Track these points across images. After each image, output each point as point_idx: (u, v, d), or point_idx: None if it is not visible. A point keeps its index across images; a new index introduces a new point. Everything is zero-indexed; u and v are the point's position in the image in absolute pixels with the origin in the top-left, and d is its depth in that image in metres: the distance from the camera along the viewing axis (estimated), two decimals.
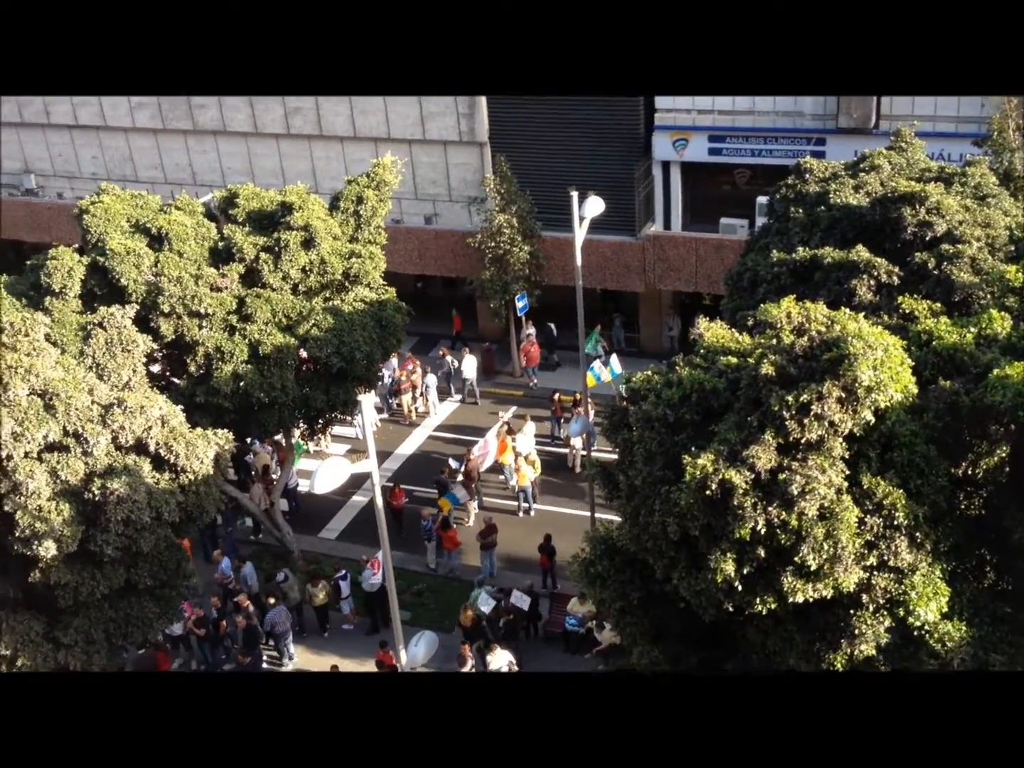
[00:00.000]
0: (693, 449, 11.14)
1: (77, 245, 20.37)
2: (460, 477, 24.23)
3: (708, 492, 10.68)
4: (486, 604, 20.34)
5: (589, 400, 23.43)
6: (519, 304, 28.96)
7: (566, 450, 26.39)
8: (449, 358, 29.65)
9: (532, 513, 24.53)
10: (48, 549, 14.45)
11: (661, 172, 28.03)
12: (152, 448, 15.75)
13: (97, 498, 14.77)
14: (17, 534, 14.54)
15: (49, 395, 15.21)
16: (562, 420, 26.84)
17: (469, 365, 29.02)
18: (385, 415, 29.08)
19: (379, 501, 15.07)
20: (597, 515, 21.24)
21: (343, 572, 21.71)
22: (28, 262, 20.49)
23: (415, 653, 17.52)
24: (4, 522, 14.86)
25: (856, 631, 10.93)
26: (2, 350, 15.25)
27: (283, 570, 22.10)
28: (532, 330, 29.92)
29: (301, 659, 21.04)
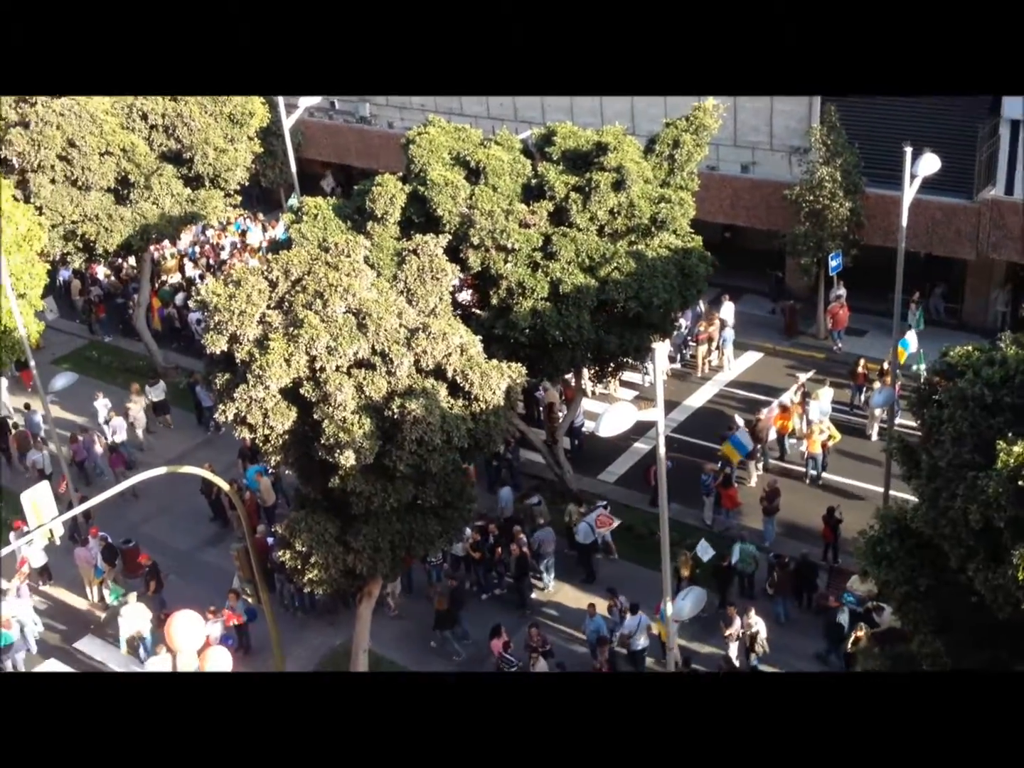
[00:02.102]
0: (1010, 435, 10.09)
1: (401, 173, 21.32)
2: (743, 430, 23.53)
3: (1021, 483, 9.68)
4: (705, 552, 19.83)
5: (897, 371, 21.98)
6: (832, 263, 27.47)
7: (865, 420, 24.97)
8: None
9: (820, 482, 23.47)
10: (348, 458, 15.36)
11: (1009, 132, 25.45)
12: (449, 374, 16.32)
13: (396, 416, 15.51)
14: (322, 441, 15.56)
15: (362, 314, 16.06)
16: (864, 389, 25.38)
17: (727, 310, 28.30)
18: (677, 365, 28.70)
19: (662, 450, 14.87)
20: (891, 492, 20.04)
21: (604, 503, 21.96)
22: (355, 187, 21.70)
23: (682, 607, 17.29)
24: (312, 429, 15.98)
25: None
26: (326, 268, 16.26)
27: (537, 494, 22.59)
28: (843, 291, 28.34)
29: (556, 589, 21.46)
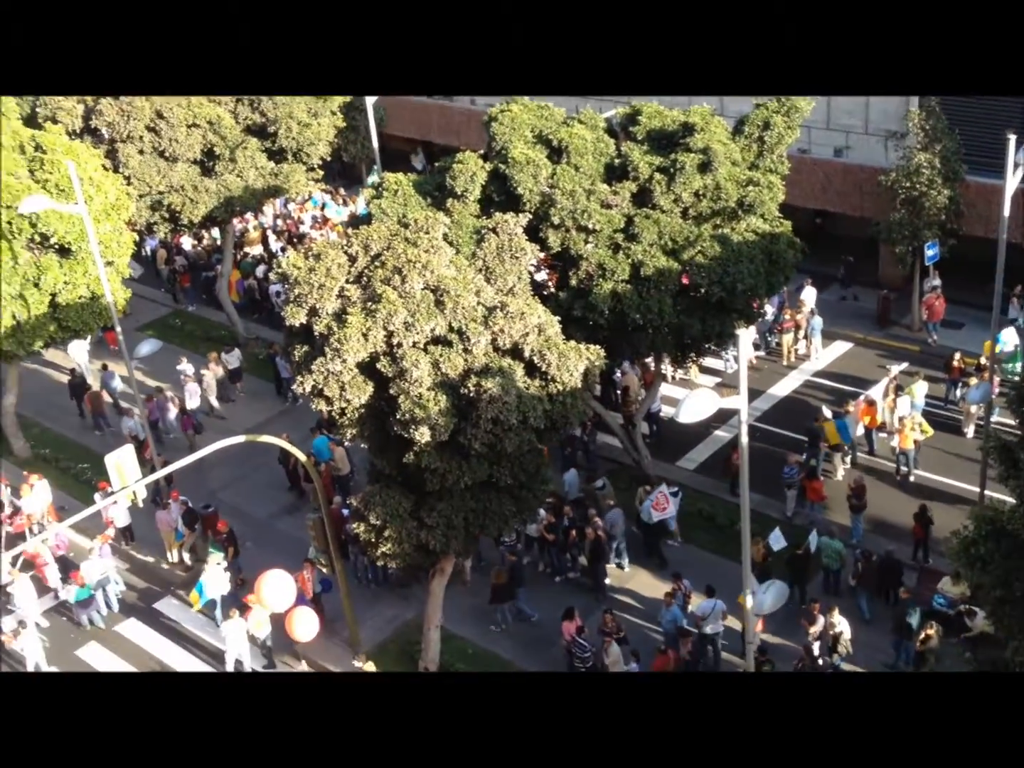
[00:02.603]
0: None
1: (482, 151, 21.13)
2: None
3: None
4: (777, 542, 19.35)
5: (995, 367, 21.19)
6: (928, 252, 26.56)
7: (959, 417, 24.14)
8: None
9: (912, 478, 22.77)
10: (423, 435, 15.31)
11: None
12: (526, 354, 16.13)
13: (471, 394, 15.39)
14: (399, 417, 15.52)
15: (440, 291, 15.95)
16: (960, 384, 24.52)
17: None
18: (762, 352, 28.10)
19: (744, 439, 14.49)
20: (987, 492, 19.38)
21: (675, 489, 21.63)
22: (436, 164, 21.57)
23: (763, 601, 16.95)
24: (389, 405, 15.94)
25: None
26: (405, 244, 16.17)
27: (602, 477, 22.41)
28: (938, 282, 27.42)
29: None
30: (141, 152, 26.82)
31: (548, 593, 20.99)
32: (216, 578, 20.72)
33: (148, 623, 21.67)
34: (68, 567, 22.33)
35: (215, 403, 28.15)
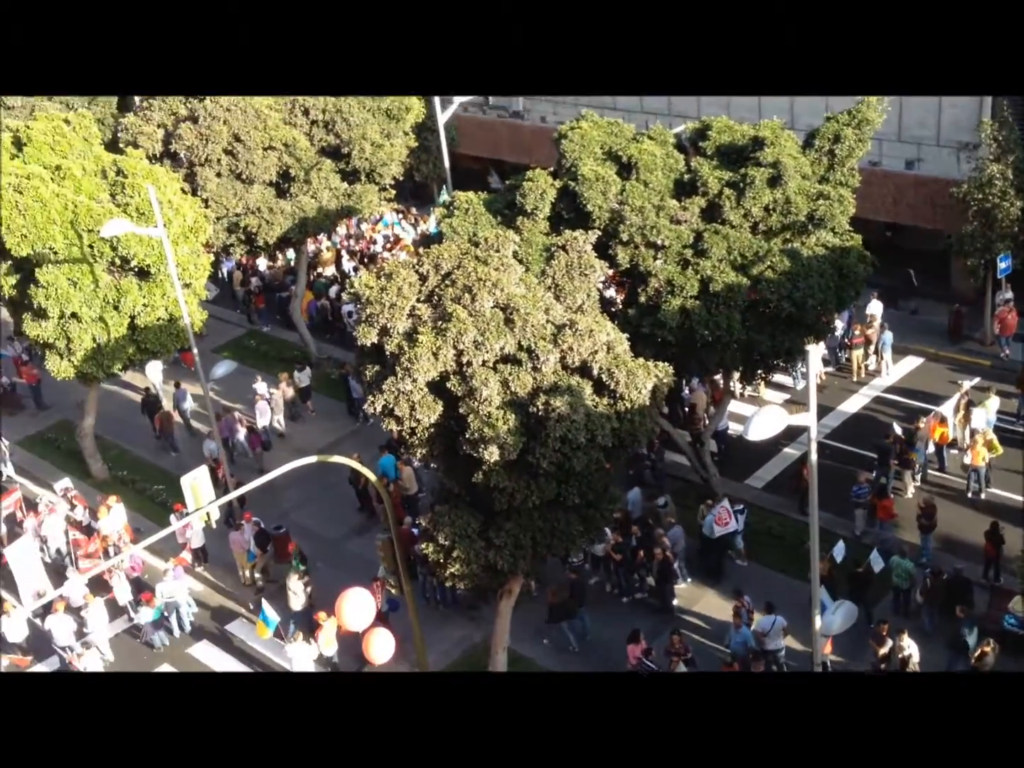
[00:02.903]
0: None
1: (552, 168, 21.24)
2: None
3: None
4: (839, 553, 19.13)
5: None
6: (1001, 265, 26.02)
7: None
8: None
9: (983, 496, 22.26)
10: (492, 454, 15.36)
11: None
12: (595, 372, 16.12)
13: (540, 413, 15.42)
14: (467, 436, 15.61)
15: (510, 309, 16.02)
16: None
17: None
18: (831, 368, 27.73)
19: (814, 457, 14.33)
20: None
21: (741, 507, 21.49)
22: (507, 182, 21.74)
23: (831, 621, 16.70)
24: (458, 424, 16.05)
25: None
26: (475, 263, 16.30)
27: (665, 495, 22.31)
28: (1011, 295, 26.83)
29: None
30: (219, 175, 27.46)
31: (615, 614, 20.87)
32: (297, 591, 21.00)
33: (219, 645, 21.96)
34: (142, 588, 22.70)
35: (281, 423, 28.60)
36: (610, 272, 20.08)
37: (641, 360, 16.51)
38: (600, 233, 19.40)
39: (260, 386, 28.58)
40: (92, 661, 20.64)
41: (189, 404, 29.45)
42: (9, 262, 23.62)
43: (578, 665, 19.84)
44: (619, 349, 16.47)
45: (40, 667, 20.82)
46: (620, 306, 21.35)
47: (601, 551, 21.35)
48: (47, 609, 21.74)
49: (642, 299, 20.36)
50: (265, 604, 20.88)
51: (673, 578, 20.85)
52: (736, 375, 23.01)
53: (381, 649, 18.23)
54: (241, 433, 27.38)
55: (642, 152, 20.28)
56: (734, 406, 25.57)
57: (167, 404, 29.72)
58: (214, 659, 21.60)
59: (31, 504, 26.19)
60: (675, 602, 20.91)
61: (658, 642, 19.24)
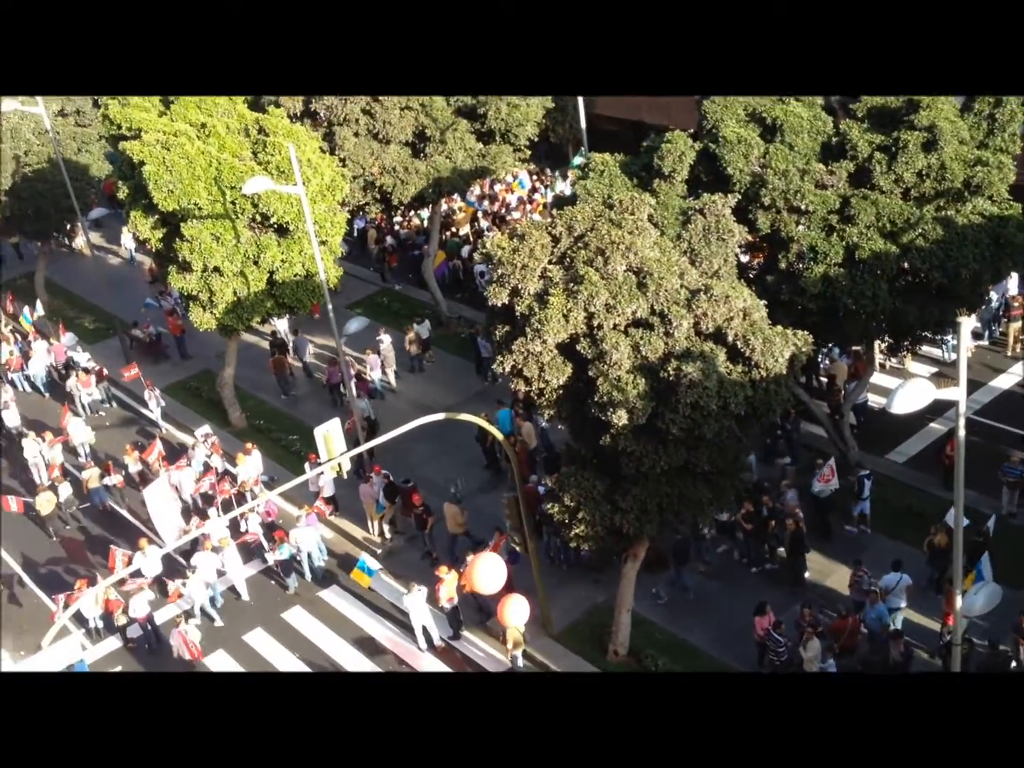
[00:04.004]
0: None
1: (691, 131, 20.68)
2: None
3: None
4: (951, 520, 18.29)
5: None
6: None
7: None
8: None
9: None
10: (620, 418, 15.17)
11: None
12: (730, 339, 15.71)
13: (671, 378, 15.13)
14: (596, 399, 15.46)
15: (643, 273, 15.74)
16: None
17: None
18: (983, 342, 26.41)
19: (961, 433, 13.63)
20: None
21: (868, 472, 20.97)
22: (644, 143, 21.28)
23: (972, 603, 16.03)
24: (587, 386, 15.89)
25: None
26: (609, 225, 16.03)
27: (785, 458, 22.02)
28: None
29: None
30: (356, 134, 27.73)
31: (743, 584, 20.50)
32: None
33: (348, 591, 22.51)
34: (274, 531, 23.46)
35: (391, 377, 29.27)
36: (749, 237, 19.49)
37: (779, 328, 16.00)
38: (740, 197, 18.84)
39: (384, 338, 29.10)
40: (197, 589, 21.46)
41: (310, 351, 30.50)
42: (156, 216, 24.43)
43: (699, 634, 19.66)
44: (756, 316, 15.99)
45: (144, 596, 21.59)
46: (754, 271, 20.73)
47: (730, 519, 20.96)
48: (191, 547, 22.65)
49: (782, 265, 19.70)
50: (365, 554, 21.44)
51: (806, 549, 20.31)
52: (880, 346, 22.10)
53: (517, 614, 18.32)
54: (352, 380, 28.08)
55: (788, 114, 19.54)
56: (877, 378, 24.64)
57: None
58: (343, 604, 22.19)
59: (172, 449, 27.28)
60: (807, 575, 20.38)
61: (786, 615, 18.78)
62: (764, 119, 19.78)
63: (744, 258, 20.78)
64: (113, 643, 22.07)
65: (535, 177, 38.92)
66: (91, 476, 25.73)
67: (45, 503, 24.96)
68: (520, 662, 19.60)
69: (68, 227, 38.89)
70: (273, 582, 23.07)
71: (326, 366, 29.04)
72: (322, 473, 22.49)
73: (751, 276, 20.26)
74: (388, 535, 23.68)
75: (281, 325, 31.66)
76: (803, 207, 19.10)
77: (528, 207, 36.57)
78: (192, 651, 20.28)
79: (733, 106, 20.07)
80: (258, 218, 24.17)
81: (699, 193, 18.41)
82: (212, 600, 22.14)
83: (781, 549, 20.72)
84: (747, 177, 19.30)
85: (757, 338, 15.54)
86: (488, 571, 18.00)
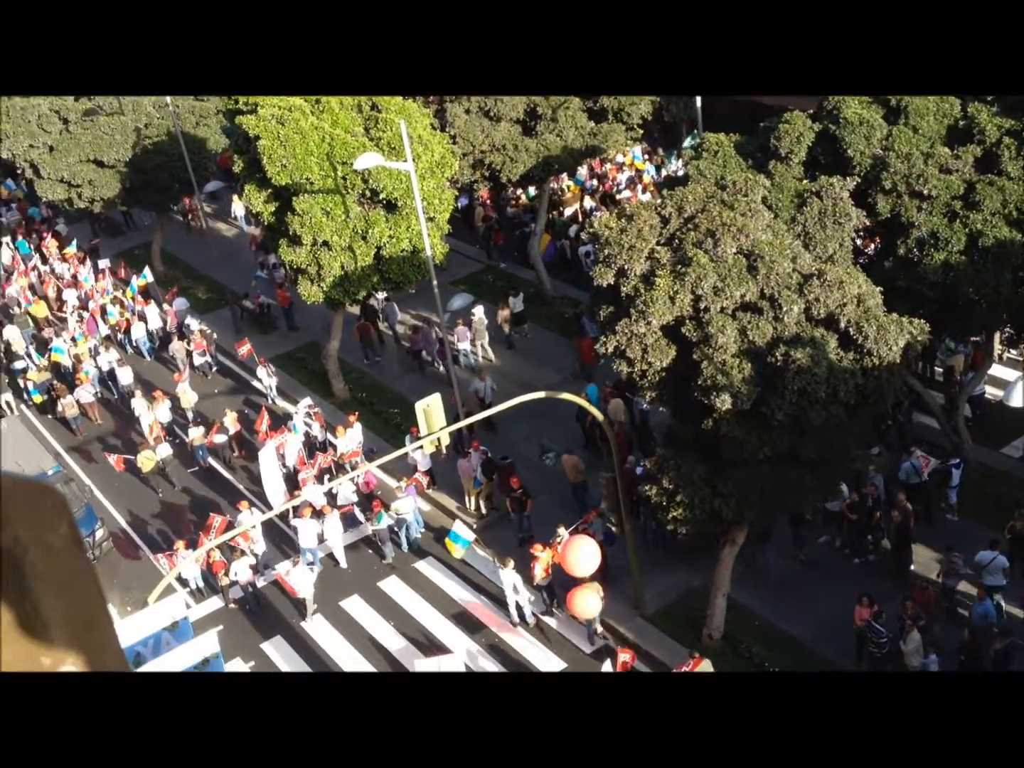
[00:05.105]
0: None
1: (811, 111, 20.11)
2: None
3: None
4: None
5: None
6: None
7: None
8: None
9: None
10: (724, 402, 14.89)
11: None
12: (842, 325, 15.26)
13: (778, 363, 14.79)
14: (699, 382, 15.20)
15: (754, 256, 15.39)
16: None
17: None
18: None
19: None
20: None
21: (957, 462, 20.45)
22: (761, 124, 20.79)
23: None
24: (691, 370, 15.63)
25: None
26: (720, 207, 15.71)
27: (879, 446, 21.55)
28: None
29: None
30: (467, 112, 27.77)
31: (844, 574, 20.04)
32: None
33: (444, 563, 22.73)
34: (372, 501, 23.72)
35: (480, 347, 29.29)
36: (867, 221, 18.89)
37: (894, 315, 15.47)
38: (859, 180, 18.26)
39: (477, 310, 29.26)
40: (302, 576, 21.70)
41: (397, 317, 31.05)
42: (269, 190, 24.86)
43: (796, 623, 19.31)
44: (871, 302, 15.49)
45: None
46: (875, 257, 20.09)
47: (836, 507, 20.46)
48: (291, 513, 23.11)
49: (900, 251, 19.05)
50: (458, 524, 21.52)
51: (912, 542, 19.74)
52: (1000, 337, 21.24)
53: (587, 605, 18.32)
54: (435, 346, 28.41)
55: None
56: (995, 370, 23.71)
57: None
58: (438, 576, 22.43)
59: (277, 419, 27.87)
60: (912, 568, 19.84)
61: (888, 608, 18.27)
62: (888, 100, 19.12)
63: (859, 243, 20.14)
64: (216, 602, 22.71)
65: (646, 157, 38.46)
66: (196, 436, 26.56)
67: (146, 461, 25.82)
68: (598, 628, 19.76)
69: (185, 199, 39.96)
70: (371, 551, 23.41)
71: (410, 333, 29.69)
72: (420, 447, 22.68)
73: (864, 261, 19.64)
74: (484, 510, 23.79)
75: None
76: (925, 192, 18.42)
77: (639, 187, 36.15)
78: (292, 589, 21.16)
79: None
80: (367, 193, 24.40)
81: (816, 175, 17.90)
82: (311, 566, 22.58)
83: (885, 540, 20.18)
84: (868, 160, 18.70)
85: (871, 325, 15.05)
86: (583, 553, 17.96)
